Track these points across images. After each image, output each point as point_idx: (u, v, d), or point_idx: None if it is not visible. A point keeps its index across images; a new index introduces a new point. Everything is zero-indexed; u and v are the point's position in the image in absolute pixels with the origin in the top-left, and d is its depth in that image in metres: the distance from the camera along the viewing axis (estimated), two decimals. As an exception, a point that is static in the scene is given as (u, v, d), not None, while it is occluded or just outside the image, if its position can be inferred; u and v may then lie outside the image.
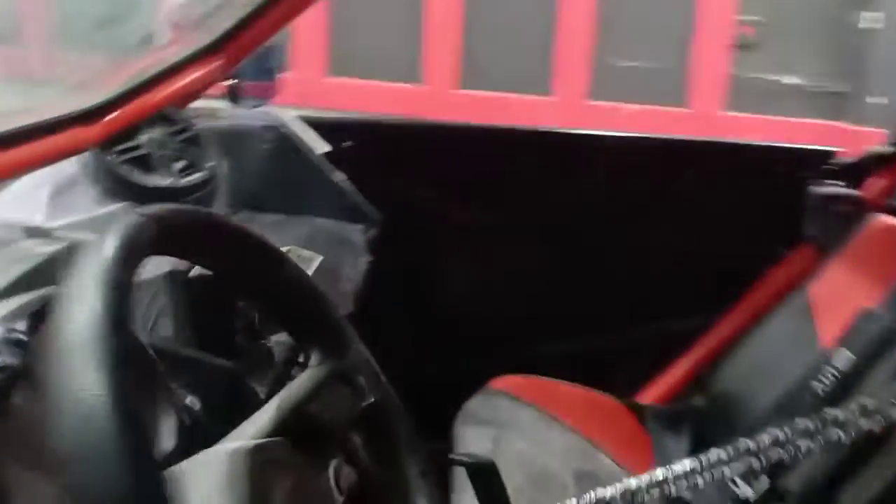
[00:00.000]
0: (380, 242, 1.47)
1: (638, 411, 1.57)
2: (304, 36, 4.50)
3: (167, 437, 0.68)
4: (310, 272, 1.20)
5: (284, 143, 1.48)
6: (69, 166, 1.16)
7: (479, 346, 1.78)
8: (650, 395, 1.76)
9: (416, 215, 1.76)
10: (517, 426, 1.42)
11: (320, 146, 1.56)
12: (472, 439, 1.38)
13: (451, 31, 4.64)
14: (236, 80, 1.58)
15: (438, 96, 4.54)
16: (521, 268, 1.87)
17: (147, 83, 1.16)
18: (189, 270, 0.96)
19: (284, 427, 0.64)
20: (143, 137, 1.22)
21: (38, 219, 1.08)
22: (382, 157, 1.75)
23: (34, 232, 0.94)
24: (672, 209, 1.85)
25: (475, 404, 1.48)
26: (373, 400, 0.77)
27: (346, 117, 1.75)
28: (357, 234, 1.45)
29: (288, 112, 1.62)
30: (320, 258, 1.25)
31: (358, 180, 1.53)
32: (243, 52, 1.29)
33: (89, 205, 1.15)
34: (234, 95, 1.60)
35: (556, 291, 1.86)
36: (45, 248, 0.83)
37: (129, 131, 1.17)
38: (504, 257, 1.87)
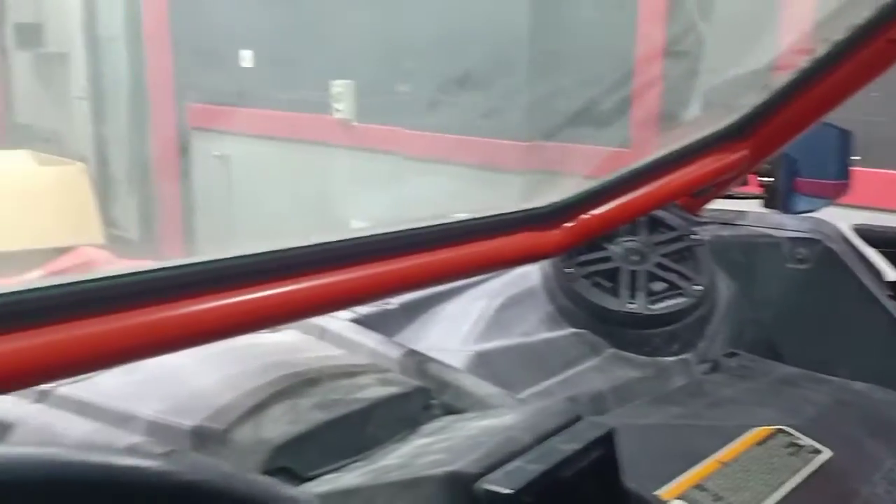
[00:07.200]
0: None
1: None
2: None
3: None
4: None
5: (826, 264, 1.05)
6: (524, 275, 0.95)
7: None
8: None
9: None
10: None
11: (889, 272, 1.11)
12: None
13: None
14: (772, 179, 1.17)
15: None
16: None
17: (632, 177, 0.87)
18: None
19: None
20: (615, 247, 0.94)
21: (472, 333, 0.87)
22: None
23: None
24: None
25: None
26: None
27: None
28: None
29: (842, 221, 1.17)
30: (827, 456, 0.81)
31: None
32: (775, 141, 0.94)
33: (535, 325, 0.91)
34: (770, 196, 1.16)
35: None
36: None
37: (598, 237, 0.91)
38: None
